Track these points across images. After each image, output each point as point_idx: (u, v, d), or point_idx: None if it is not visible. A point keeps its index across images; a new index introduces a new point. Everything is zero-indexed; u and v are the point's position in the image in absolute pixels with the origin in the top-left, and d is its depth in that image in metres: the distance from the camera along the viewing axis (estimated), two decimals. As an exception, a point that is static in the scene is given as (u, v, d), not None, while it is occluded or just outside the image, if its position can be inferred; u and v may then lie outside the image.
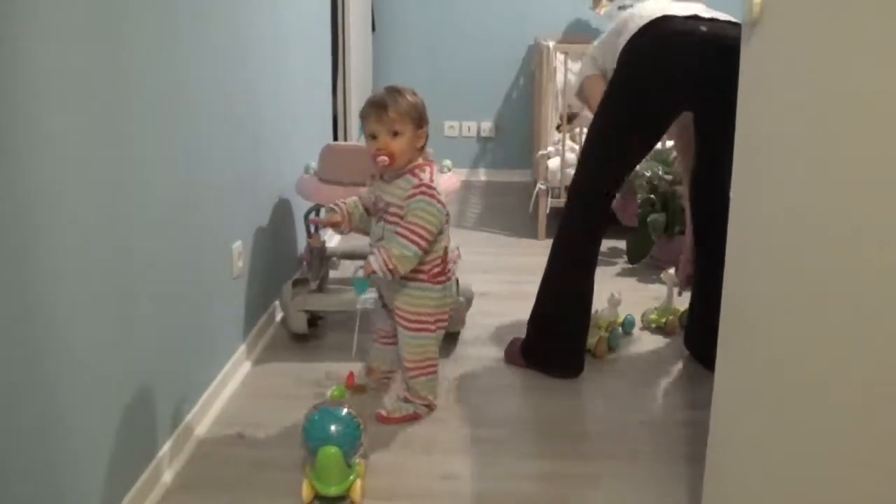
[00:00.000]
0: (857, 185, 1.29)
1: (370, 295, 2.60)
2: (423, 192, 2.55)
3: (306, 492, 2.27)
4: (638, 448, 2.58)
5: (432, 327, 2.70)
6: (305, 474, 2.30)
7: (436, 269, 2.66)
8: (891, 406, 1.24)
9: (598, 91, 3.01)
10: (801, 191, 1.45)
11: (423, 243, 2.53)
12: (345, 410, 2.32)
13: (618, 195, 3.46)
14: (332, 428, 2.27)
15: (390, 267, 2.50)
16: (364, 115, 2.57)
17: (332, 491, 2.25)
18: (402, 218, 2.56)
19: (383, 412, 2.71)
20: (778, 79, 1.55)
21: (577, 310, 3.02)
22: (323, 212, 2.97)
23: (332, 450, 2.23)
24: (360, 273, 2.55)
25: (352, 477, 2.28)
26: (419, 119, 2.57)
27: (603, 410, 2.83)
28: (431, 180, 2.57)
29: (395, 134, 2.52)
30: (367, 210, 2.71)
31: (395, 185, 2.59)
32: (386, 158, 2.51)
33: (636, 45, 2.82)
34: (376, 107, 2.53)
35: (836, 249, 1.34)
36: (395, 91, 2.57)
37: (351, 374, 2.63)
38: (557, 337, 3.04)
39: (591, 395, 2.94)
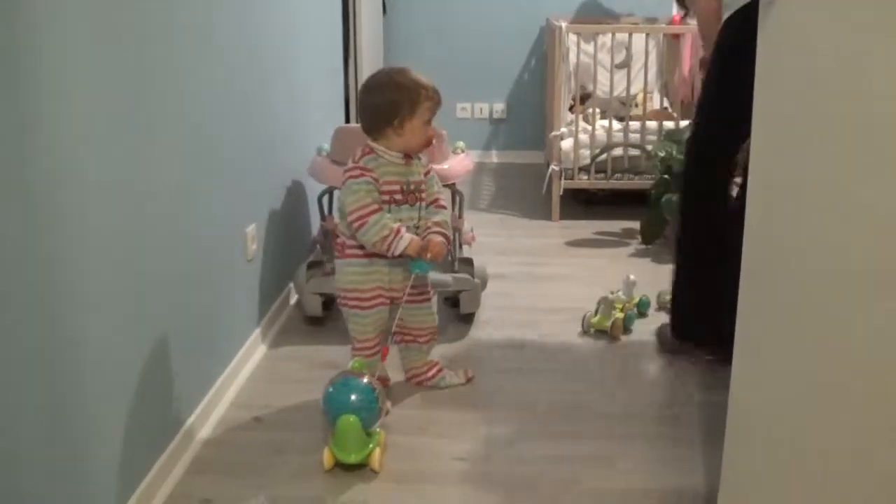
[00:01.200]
0: (877, 166, 1.27)
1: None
2: (432, 169, 2.72)
3: (327, 459, 2.32)
4: (653, 429, 2.57)
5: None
6: (327, 442, 2.34)
7: None
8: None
9: None
10: (818, 171, 1.44)
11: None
12: (364, 380, 2.37)
13: None
14: (352, 397, 2.33)
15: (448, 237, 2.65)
16: (433, 103, 2.55)
17: (352, 458, 2.30)
18: (424, 192, 2.63)
19: (469, 374, 2.85)
20: (795, 58, 1.53)
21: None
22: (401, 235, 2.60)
23: (351, 418, 2.28)
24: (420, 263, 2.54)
25: (371, 445, 2.32)
26: None
27: (618, 392, 2.82)
28: None
29: None
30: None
31: (414, 164, 2.62)
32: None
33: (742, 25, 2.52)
34: (438, 95, 2.56)
35: (853, 231, 1.33)
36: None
37: (385, 349, 2.62)
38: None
39: (605, 376, 2.94)
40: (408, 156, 2.58)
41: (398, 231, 2.49)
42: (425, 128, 2.56)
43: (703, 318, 2.90)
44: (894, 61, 1.22)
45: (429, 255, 2.52)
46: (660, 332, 3.18)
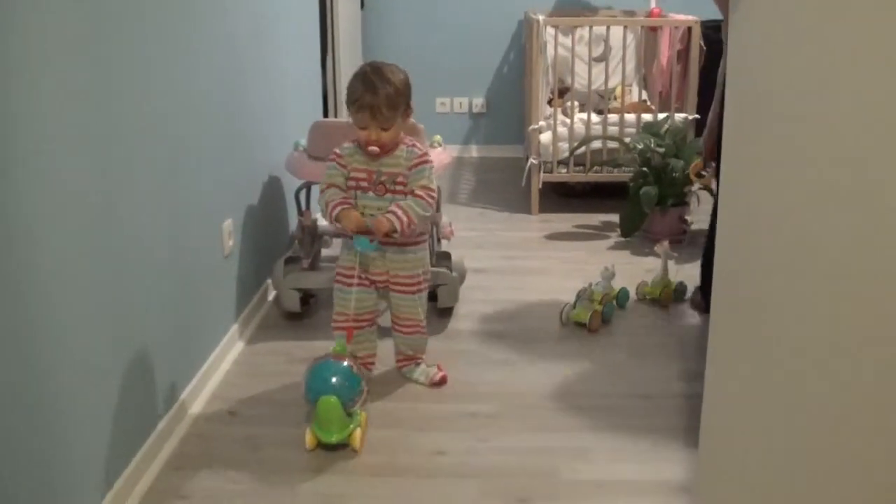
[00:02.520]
0: (851, 151, 1.28)
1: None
2: (426, 161, 2.67)
3: (309, 439, 2.39)
4: (632, 421, 2.58)
5: (425, 286, 2.82)
6: (309, 423, 2.39)
7: (424, 232, 2.86)
8: (887, 372, 1.24)
9: None
10: (794, 155, 1.44)
11: (434, 205, 2.70)
12: (345, 363, 2.40)
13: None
14: (332, 379, 2.36)
15: (412, 225, 2.60)
16: (356, 108, 2.55)
17: (333, 438, 2.35)
18: (406, 185, 2.64)
19: (436, 378, 2.82)
20: (767, 46, 1.53)
21: None
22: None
23: (332, 399, 2.32)
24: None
25: (352, 426, 2.36)
26: (406, 101, 2.60)
27: (597, 383, 2.83)
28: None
29: (387, 128, 2.57)
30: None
31: (394, 157, 2.64)
32: (377, 149, 2.58)
33: None
34: (370, 106, 2.52)
35: (830, 218, 1.33)
36: (383, 79, 2.54)
37: (350, 330, 2.63)
38: None
39: (585, 368, 2.94)
40: (392, 148, 2.62)
41: (338, 203, 2.61)
42: (359, 130, 2.58)
43: None
44: (873, 48, 1.22)
45: (366, 232, 2.59)
46: (694, 297, 3.42)
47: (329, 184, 2.66)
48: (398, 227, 2.56)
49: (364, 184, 2.64)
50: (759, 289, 1.58)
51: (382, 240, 2.61)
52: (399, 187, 2.63)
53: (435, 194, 2.68)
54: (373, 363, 2.84)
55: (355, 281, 2.70)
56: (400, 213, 2.57)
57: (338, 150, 2.69)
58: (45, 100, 1.78)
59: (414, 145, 2.67)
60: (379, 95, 2.51)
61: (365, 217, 2.62)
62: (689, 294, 3.52)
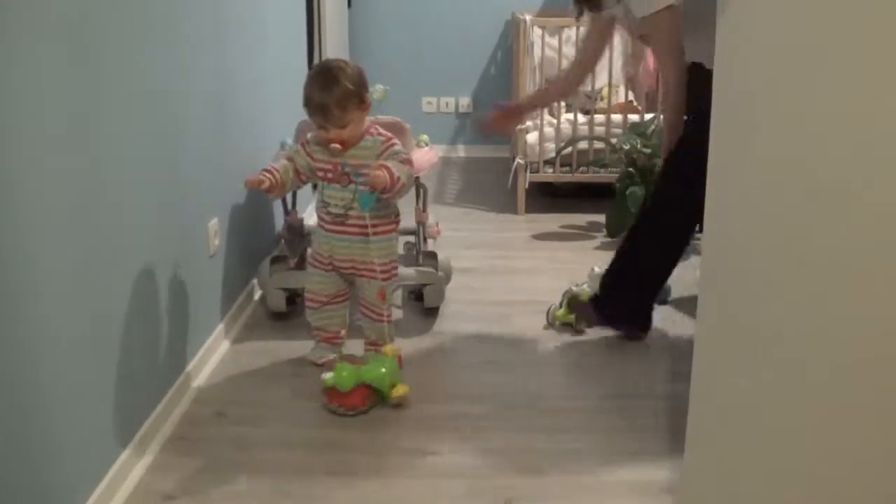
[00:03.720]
0: (839, 142, 1.28)
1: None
2: (395, 143, 2.73)
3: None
4: (617, 422, 2.58)
5: (391, 275, 2.86)
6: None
7: (398, 220, 2.88)
8: (873, 373, 1.24)
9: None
10: (781, 153, 1.44)
11: (413, 177, 2.76)
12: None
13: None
14: None
15: (397, 184, 2.62)
16: (309, 110, 2.66)
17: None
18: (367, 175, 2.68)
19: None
20: (755, 41, 1.53)
21: (664, 274, 3.15)
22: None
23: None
24: (365, 189, 2.63)
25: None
26: (360, 96, 2.64)
27: (582, 385, 2.83)
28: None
29: (343, 126, 2.63)
30: (298, 174, 2.76)
31: (360, 147, 2.70)
32: (339, 146, 2.65)
33: None
34: (321, 110, 2.61)
35: (816, 211, 1.34)
36: (331, 78, 2.61)
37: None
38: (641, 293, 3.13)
39: (570, 369, 2.95)
40: (358, 139, 2.69)
41: (264, 171, 2.72)
42: (319, 129, 2.68)
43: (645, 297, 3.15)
44: (862, 38, 1.22)
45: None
46: (582, 308, 3.21)
47: (289, 157, 2.77)
48: (385, 180, 2.56)
49: (329, 175, 2.72)
50: (747, 291, 1.59)
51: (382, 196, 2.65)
52: (362, 178, 2.66)
53: (412, 168, 2.73)
54: (341, 339, 2.96)
55: (329, 267, 2.82)
56: (383, 170, 2.58)
57: (309, 138, 2.79)
58: (35, 99, 1.77)
59: (379, 133, 2.71)
60: (328, 96, 2.59)
61: (329, 206, 2.74)
62: (671, 296, 3.50)
